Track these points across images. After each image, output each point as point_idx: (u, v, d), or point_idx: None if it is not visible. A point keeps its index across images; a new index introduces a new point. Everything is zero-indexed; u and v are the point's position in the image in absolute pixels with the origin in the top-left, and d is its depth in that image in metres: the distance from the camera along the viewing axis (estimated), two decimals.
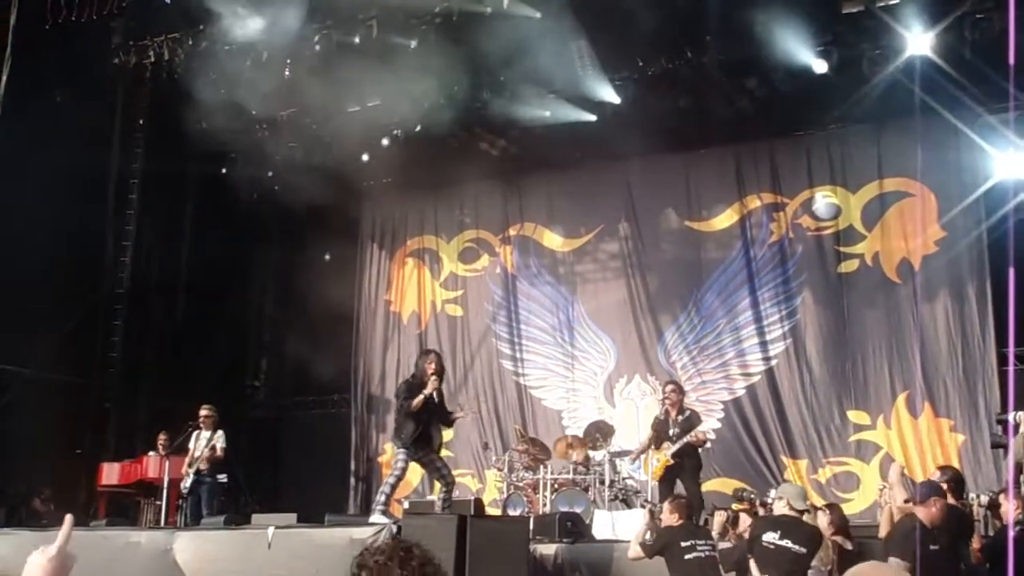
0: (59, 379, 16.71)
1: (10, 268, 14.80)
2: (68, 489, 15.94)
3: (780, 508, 8.06)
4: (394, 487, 10.99)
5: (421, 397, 10.52)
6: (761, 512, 9.47)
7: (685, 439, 12.18)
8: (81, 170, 16.52)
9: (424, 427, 10.69)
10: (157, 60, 16.32)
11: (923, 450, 14.73)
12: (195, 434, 13.55)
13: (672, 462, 12.25)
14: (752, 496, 9.20)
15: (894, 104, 14.87)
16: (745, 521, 9.21)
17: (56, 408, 16.49)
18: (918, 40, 13.46)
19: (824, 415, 15.50)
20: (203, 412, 13.62)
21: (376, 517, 10.44)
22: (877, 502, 9.05)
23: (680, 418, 12.46)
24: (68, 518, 3.09)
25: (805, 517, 8.22)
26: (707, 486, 15.25)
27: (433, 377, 10.64)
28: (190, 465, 13.32)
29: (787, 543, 7.64)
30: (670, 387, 12.84)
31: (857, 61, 14.16)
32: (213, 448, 13.40)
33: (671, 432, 12.41)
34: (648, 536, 8.97)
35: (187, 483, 13.23)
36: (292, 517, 10.99)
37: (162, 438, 14.30)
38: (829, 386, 15.60)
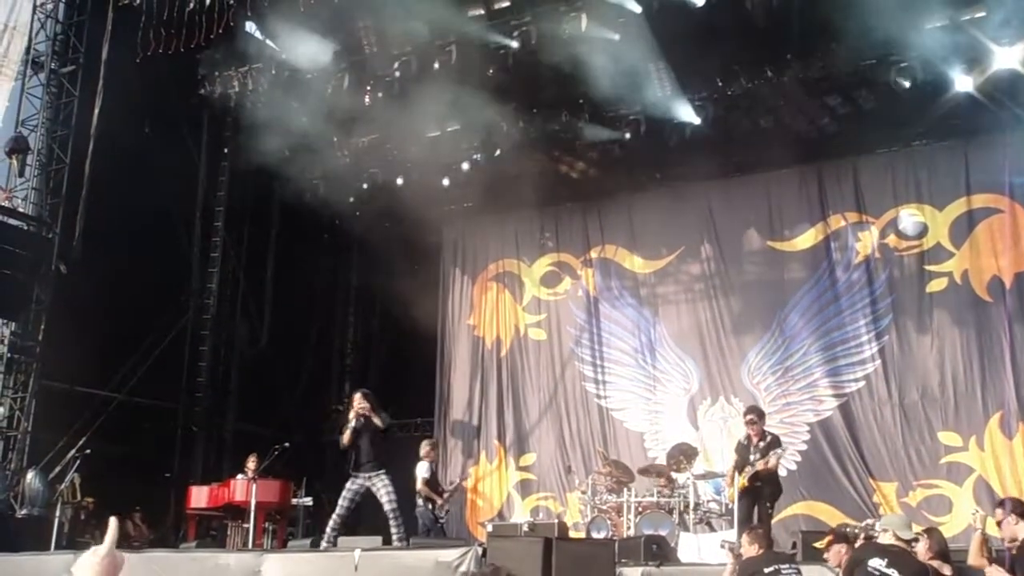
0: (148, 403, 17.04)
1: (100, 295, 15.18)
2: (158, 512, 16.24)
3: (887, 539, 7.85)
4: (341, 517, 11.40)
5: (347, 433, 11.48)
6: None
7: (755, 468, 12.02)
8: (169, 198, 16.95)
9: (356, 454, 11.51)
10: (241, 89, 16.62)
11: (1017, 472, 14.34)
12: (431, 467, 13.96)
13: (748, 485, 12.09)
14: (856, 532, 8.96)
15: (980, 119, 14.62)
16: (837, 550, 8.97)
17: (145, 432, 16.85)
18: (1006, 52, 13.21)
19: (914, 437, 15.18)
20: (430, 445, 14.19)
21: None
22: (971, 526, 8.81)
23: (762, 444, 12.31)
24: (113, 520, 3.24)
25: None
26: (793, 509, 15.09)
27: (352, 411, 11.62)
28: (440, 494, 13.81)
29: (893, 572, 7.40)
30: (749, 416, 12.66)
31: (942, 76, 13.91)
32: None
33: (752, 457, 12.28)
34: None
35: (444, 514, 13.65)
36: (377, 540, 11.08)
37: (252, 462, 14.44)
38: (918, 407, 15.26)
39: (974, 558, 8.01)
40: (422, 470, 13.80)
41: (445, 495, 13.96)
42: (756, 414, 12.73)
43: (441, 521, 13.49)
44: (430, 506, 13.64)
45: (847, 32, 13.18)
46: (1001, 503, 7.77)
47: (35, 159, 16.32)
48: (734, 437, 13.72)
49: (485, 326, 19.04)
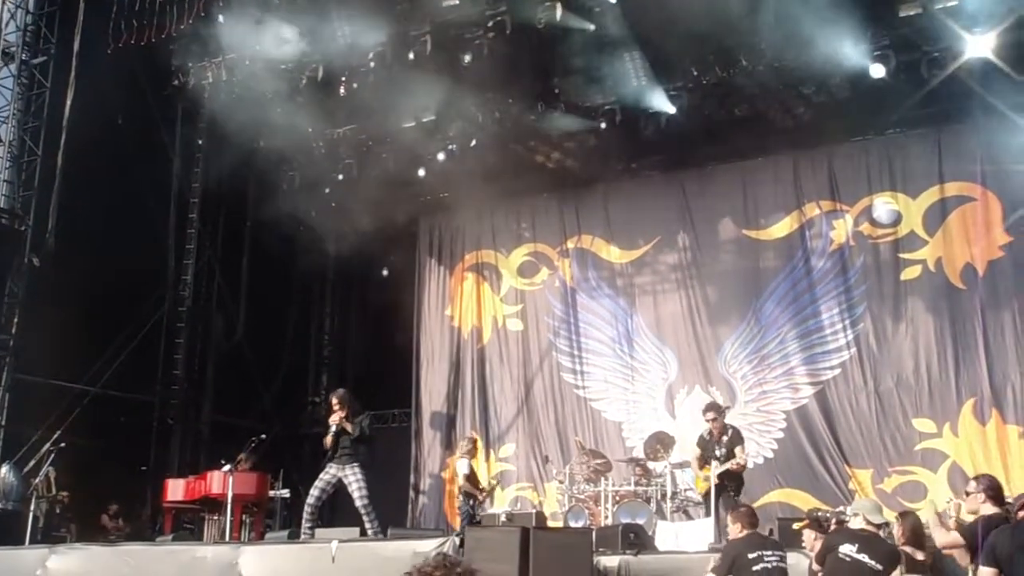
0: (123, 396, 16.95)
1: (74, 288, 15.08)
2: (134, 505, 16.18)
3: (857, 524, 7.87)
4: (313, 508, 11.66)
5: (329, 436, 11.66)
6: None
7: (724, 467, 12.14)
8: (142, 190, 16.86)
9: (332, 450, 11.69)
10: (215, 80, 16.50)
11: (991, 458, 14.44)
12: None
13: (716, 482, 12.20)
14: (828, 516, 9.01)
15: (954, 107, 14.70)
16: (809, 536, 9.00)
17: (121, 425, 16.78)
18: (978, 41, 13.27)
19: (889, 424, 15.24)
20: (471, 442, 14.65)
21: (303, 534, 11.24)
22: (946, 511, 8.86)
23: (724, 438, 12.42)
24: None
25: (882, 532, 8.04)
26: (769, 497, 15.17)
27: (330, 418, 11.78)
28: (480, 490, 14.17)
29: (864, 557, 7.45)
30: (709, 414, 12.79)
31: (915, 64, 13.97)
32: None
33: (716, 452, 12.40)
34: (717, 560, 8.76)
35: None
36: (355, 531, 11.07)
37: (242, 458, 14.22)
38: (893, 394, 15.33)
39: (940, 536, 7.90)
40: (463, 467, 13.86)
41: (483, 491, 14.00)
42: (715, 411, 12.87)
43: (479, 518, 13.44)
44: (471, 501, 13.68)
45: (821, 21, 13.20)
46: (977, 478, 7.75)
47: (6, 151, 16.19)
48: None
49: (462, 317, 19.00)
